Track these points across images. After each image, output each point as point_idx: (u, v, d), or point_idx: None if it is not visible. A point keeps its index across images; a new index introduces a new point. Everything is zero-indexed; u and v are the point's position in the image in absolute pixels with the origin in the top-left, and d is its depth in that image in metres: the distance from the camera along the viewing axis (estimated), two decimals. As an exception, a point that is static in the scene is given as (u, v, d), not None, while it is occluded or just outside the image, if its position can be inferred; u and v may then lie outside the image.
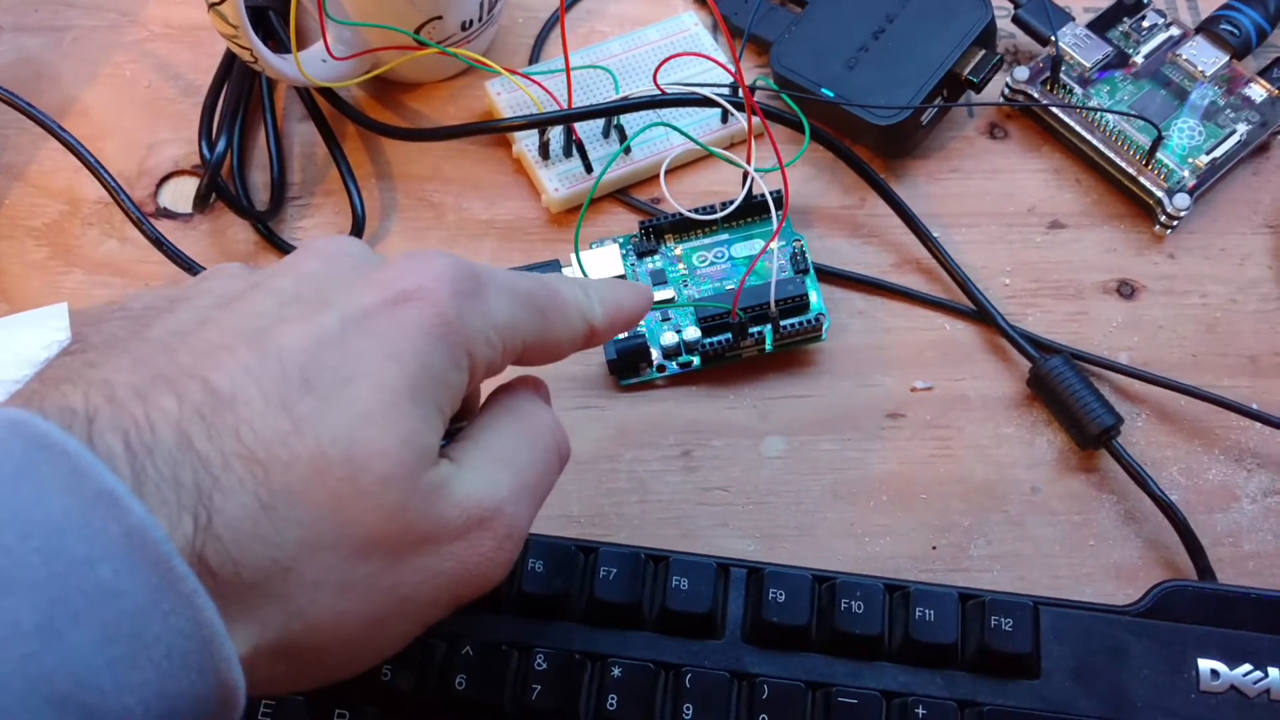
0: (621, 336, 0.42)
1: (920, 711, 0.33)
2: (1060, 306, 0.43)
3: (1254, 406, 0.41)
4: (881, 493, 0.40)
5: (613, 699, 0.33)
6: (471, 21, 0.45)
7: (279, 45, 0.45)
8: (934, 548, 0.39)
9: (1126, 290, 0.44)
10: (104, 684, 0.20)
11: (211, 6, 0.38)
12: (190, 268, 0.41)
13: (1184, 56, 0.46)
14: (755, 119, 0.42)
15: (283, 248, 0.44)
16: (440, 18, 0.43)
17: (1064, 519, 0.40)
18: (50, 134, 0.42)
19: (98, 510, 0.20)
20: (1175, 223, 0.44)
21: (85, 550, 0.20)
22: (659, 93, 0.42)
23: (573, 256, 0.42)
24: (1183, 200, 0.43)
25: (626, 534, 0.39)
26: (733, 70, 0.41)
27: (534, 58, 0.48)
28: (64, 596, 0.19)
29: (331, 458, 0.23)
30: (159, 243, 0.41)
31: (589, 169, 0.44)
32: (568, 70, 0.42)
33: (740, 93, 0.43)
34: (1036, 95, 0.46)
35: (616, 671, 0.34)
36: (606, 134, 0.45)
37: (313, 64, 0.43)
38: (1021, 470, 0.40)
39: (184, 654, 0.21)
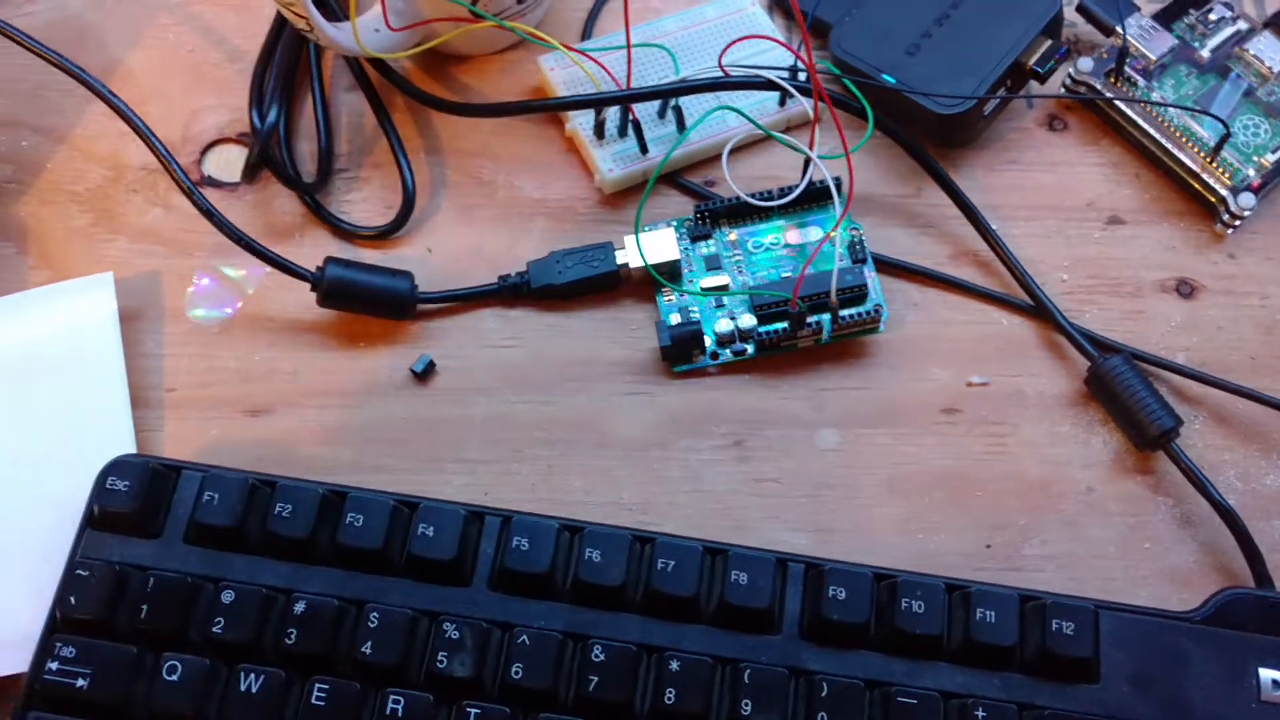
0: (675, 322, 0.41)
1: (980, 713, 0.33)
2: (1118, 304, 0.43)
3: (1314, 412, 0.40)
4: (936, 489, 0.40)
5: (670, 692, 0.33)
6: (529, -6, 0.44)
7: (329, 13, 0.44)
8: (988, 546, 0.39)
9: (1185, 289, 0.43)
10: None
11: (270, -27, 0.37)
12: (239, 240, 0.41)
13: (1251, 52, 0.45)
14: (820, 104, 0.41)
15: (330, 221, 0.43)
16: (499, -10, 0.42)
17: (1119, 520, 0.39)
18: (98, 97, 0.41)
19: None
20: (1238, 222, 0.43)
21: None
22: (721, 75, 0.41)
23: (627, 239, 0.42)
24: (1248, 199, 0.42)
25: (677, 523, 0.39)
26: (799, 53, 0.40)
27: (587, 33, 0.47)
28: None
29: None
30: (209, 213, 0.40)
31: (644, 150, 0.43)
32: (628, 47, 0.42)
33: (802, 76, 0.43)
34: (1100, 88, 0.45)
35: (674, 665, 0.34)
36: (663, 114, 0.44)
37: (366, 33, 0.42)
38: (1077, 470, 0.40)
39: None
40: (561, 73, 0.45)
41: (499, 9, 0.43)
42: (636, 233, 0.41)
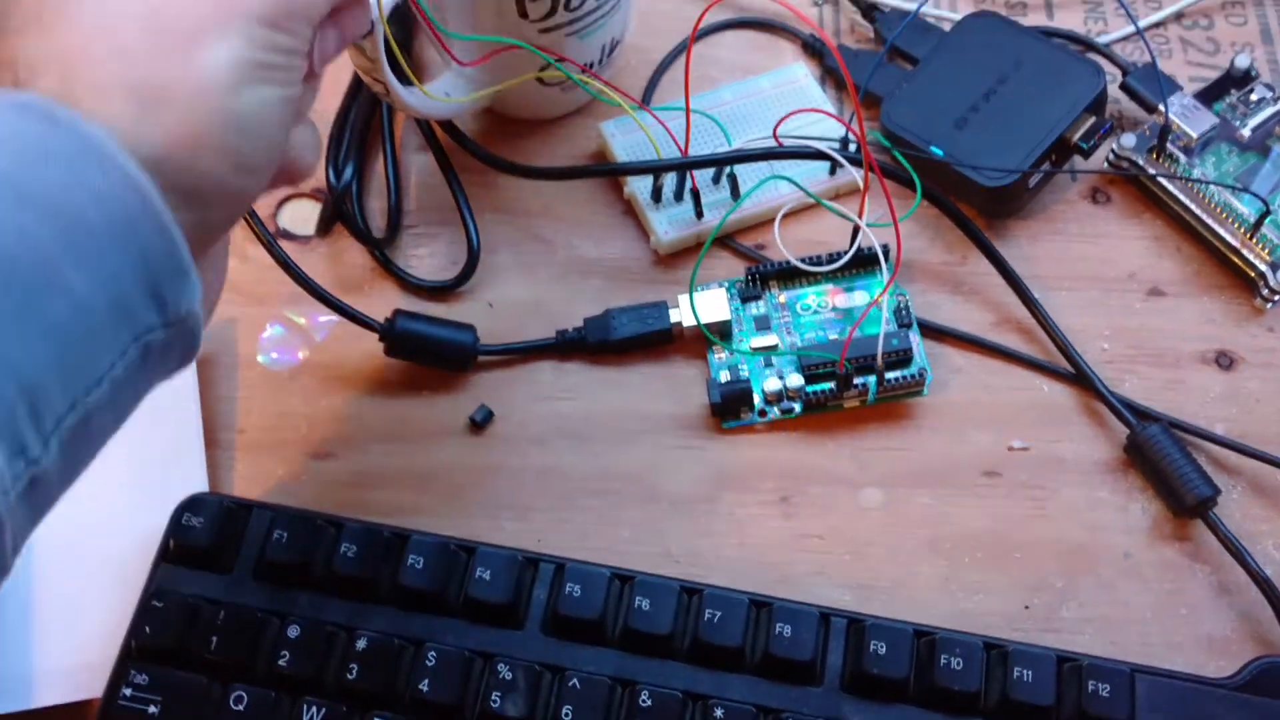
0: (725, 380, 0.43)
1: (1016, 771, 0.34)
2: (1158, 374, 0.44)
3: (1352, 485, 0.41)
4: (976, 549, 0.41)
5: (715, 740, 0.34)
6: (592, 64, 0.46)
7: (403, 78, 0.47)
8: (1026, 607, 0.40)
9: (1225, 361, 0.44)
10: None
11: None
12: (312, 290, 0.43)
13: (1291, 132, 0.46)
14: (869, 174, 0.43)
15: (399, 275, 0.46)
16: (563, 60, 0.45)
17: (1157, 586, 0.40)
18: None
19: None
20: (1277, 297, 0.44)
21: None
22: (775, 144, 0.43)
23: (680, 298, 0.44)
24: (1287, 275, 0.44)
25: (723, 576, 0.40)
26: (850, 125, 0.42)
27: (646, 99, 0.50)
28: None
29: None
30: (285, 264, 0.42)
31: (700, 215, 0.45)
32: (687, 115, 0.44)
33: (852, 147, 0.44)
34: (1142, 163, 0.46)
35: (719, 712, 0.35)
36: (717, 180, 0.46)
37: (437, 97, 0.44)
38: (1116, 535, 0.41)
39: (80, 153, 0.26)
40: (621, 139, 0.47)
41: (564, 77, 0.46)
42: (690, 292, 0.43)
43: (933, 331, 0.45)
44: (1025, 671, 0.35)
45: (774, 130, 0.42)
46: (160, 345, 0.29)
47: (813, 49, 0.50)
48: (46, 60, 0.28)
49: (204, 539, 0.38)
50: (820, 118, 0.46)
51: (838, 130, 0.46)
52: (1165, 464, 0.41)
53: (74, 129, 0.27)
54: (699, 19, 0.45)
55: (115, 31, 0.28)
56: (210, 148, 0.28)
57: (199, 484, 0.41)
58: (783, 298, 0.45)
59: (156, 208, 0.27)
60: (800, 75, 0.49)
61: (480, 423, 0.43)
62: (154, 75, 0.28)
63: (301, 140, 0.35)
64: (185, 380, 0.43)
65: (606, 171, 0.46)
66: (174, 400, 0.43)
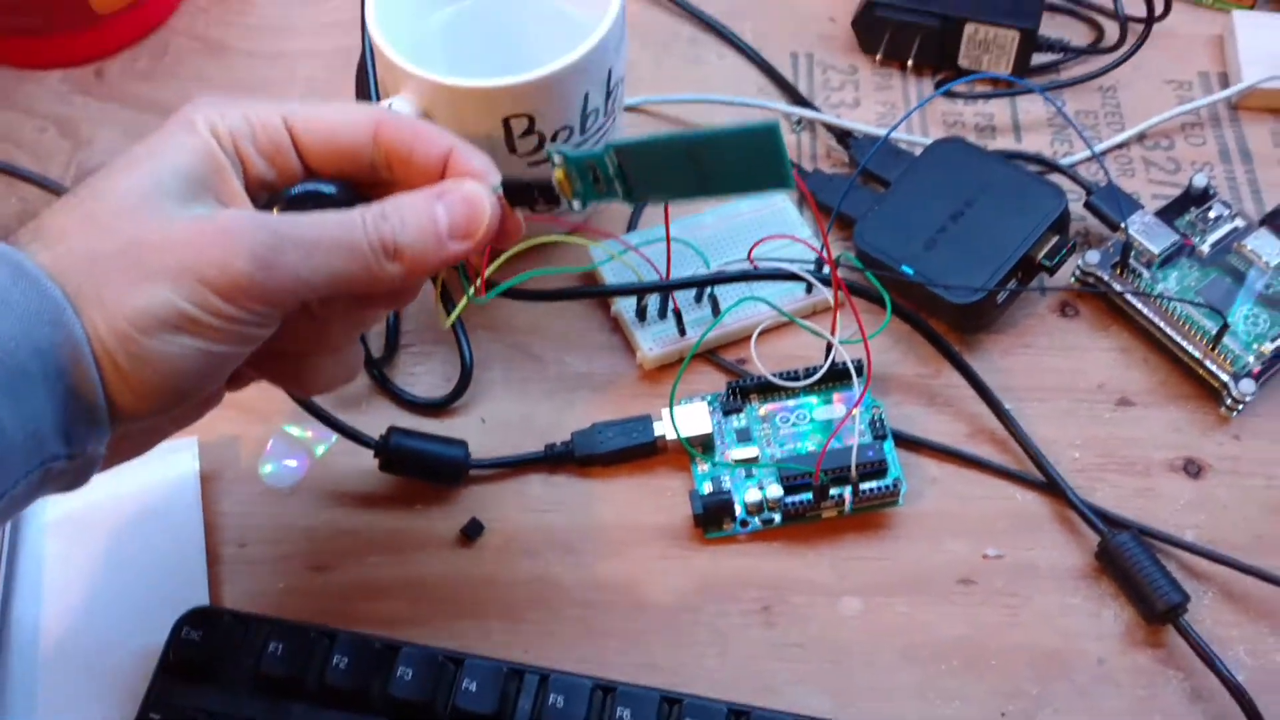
0: (708, 491, 0.45)
1: None
2: (1128, 482, 0.45)
3: (1319, 591, 0.42)
4: (953, 656, 0.42)
5: None
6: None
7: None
8: (1003, 714, 0.41)
9: (1193, 469, 0.46)
10: None
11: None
12: (312, 409, 0.45)
13: (1249, 247, 0.48)
14: (840, 293, 0.45)
15: (396, 393, 0.48)
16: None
17: (1130, 692, 0.41)
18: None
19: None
20: (1241, 406, 0.46)
21: None
22: (751, 266, 0.45)
23: (664, 412, 0.46)
24: (1248, 385, 0.45)
25: (705, 685, 0.41)
26: (819, 249, 0.44)
27: (632, 224, 0.52)
28: None
29: None
30: (286, 385, 0.45)
31: (682, 332, 0.47)
32: (668, 243, 0.46)
33: (825, 268, 0.47)
34: (1107, 279, 0.48)
35: (697, 822, 0.36)
36: (699, 300, 0.48)
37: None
38: (1089, 641, 0.42)
39: (37, 312, 0.30)
40: (609, 262, 0.50)
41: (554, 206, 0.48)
42: (671, 407, 0.44)
43: (908, 442, 0.46)
44: (997, 779, 0.36)
45: (749, 253, 0.45)
46: (59, 471, 0.32)
47: (791, 173, 0.53)
48: (50, 233, 0.32)
49: (203, 651, 0.39)
50: (800, 235, 0.49)
51: (812, 253, 0.48)
52: (1136, 571, 0.42)
53: (37, 284, 0.30)
54: (679, 149, 0.47)
55: (100, 244, 0.32)
56: (117, 369, 0.31)
57: (200, 597, 0.43)
58: (763, 410, 0.47)
59: (92, 378, 0.31)
60: (778, 199, 0.51)
61: (471, 535, 0.45)
62: (104, 289, 0.31)
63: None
64: (189, 495, 0.45)
65: (594, 293, 0.48)
66: (179, 515, 0.45)
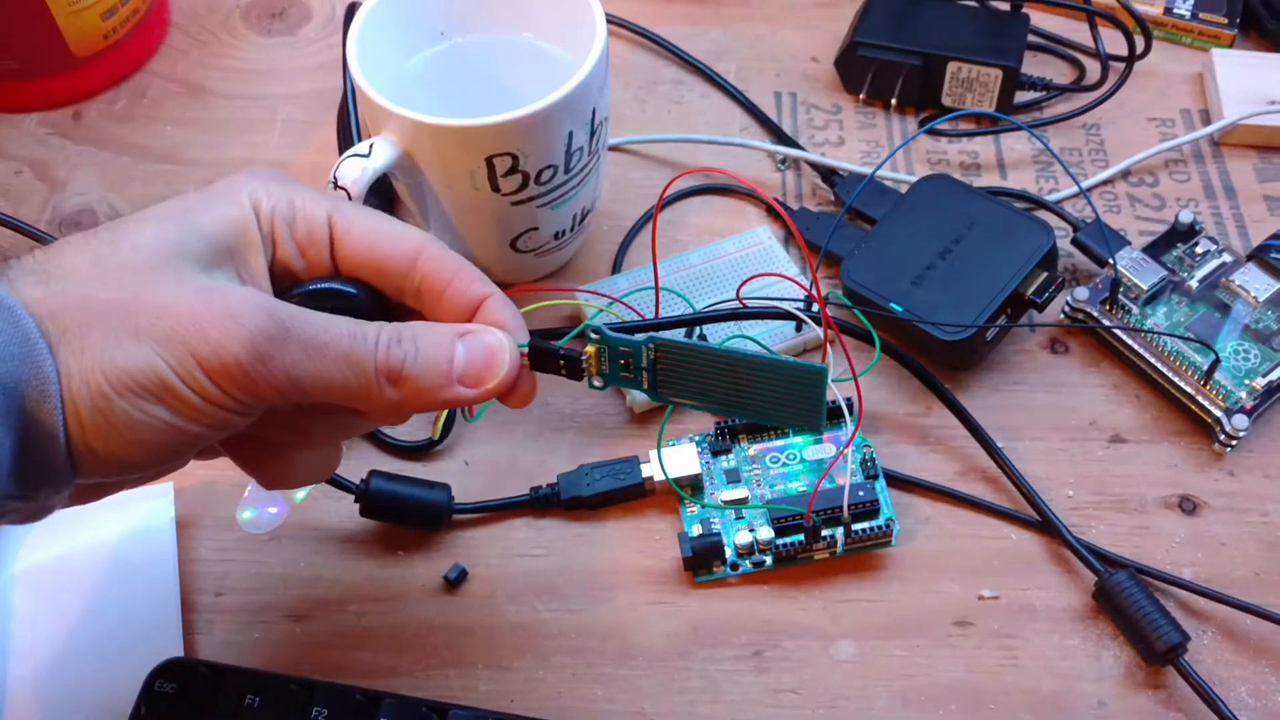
0: (697, 534, 0.44)
1: None
2: (1123, 520, 0.45)
3: (1320, 629, 0.41)
4: (950, 701, 0.41)
5: None
6: (563, 232, 0.48)
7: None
8: (1003, 760, 0.40)
9: (1188, 506, 0.45)
10: None
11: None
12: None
13: (1237, 282, 0.48)
14: (830, 331, 0.45)
15: (378, 437, 0.47)
16: (536, 229, 0.47)
17: (1132, 736, 0.40)
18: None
19: None
20: (1234, 442, 0.45)
21: None
22: (739, 305, 0.45)
23: (651, 453, 0.45)
24: (1241, 421, 0.45)
25: (698, 733, 0.40)
26: (808, 287, 0.44)
27: (617, 265, 0.52)
28: None
29: None
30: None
31: (669, 372, 0.47)
32: (656, 286, 0.45)
33: (815, 306, 0.46)
34: (1096, 315, 0.48)
35: None
36: (689, 339, 0.48)
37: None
38: (1088, 684, 0.41)
39: (9, 343, 0.29)
40: (598, 315, 0.49)
41: (538, 245, 0.48)
42: (659, 448, 0.44)
43: (900, 482, 0.45)
44: (1000, 828, 0.35)
45: (737, 292, 0.44)
46: (11, 509, 0.31)
47: (776, 212, 0.53)
48: (55, 269, 0.31)
49: (177, 705, 0.38)
50: (788, 273, 0.48)
51: (799, 290, 0.47)
52: (1134, 611, 0.41)
53: (11, 313, 0.29)
54: (665, 187, 0.47)
55: (101, 290, 0.30)
56: (80, 423, 0.30)
57: (175, 648, 0.41)
58: (753, 450, 0.46)
59: (54, 423, 0.29)
60: (764, 237, 0.51)
61: (454, 581, 0.43)
62: (88, 336, 0.30)
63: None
64: (164, 543, 0.44)
65: (580, 333, 0.47)
66: (153, 563, 0.43)
